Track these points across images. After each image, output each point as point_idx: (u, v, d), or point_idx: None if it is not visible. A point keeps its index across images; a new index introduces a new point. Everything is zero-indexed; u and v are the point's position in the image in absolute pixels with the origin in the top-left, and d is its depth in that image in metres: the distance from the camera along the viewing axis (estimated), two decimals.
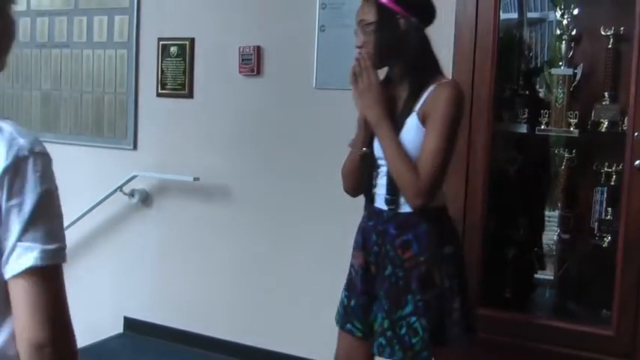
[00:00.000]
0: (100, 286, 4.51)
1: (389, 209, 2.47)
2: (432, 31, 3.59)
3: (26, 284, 1.24)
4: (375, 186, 2.55)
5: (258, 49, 4.20)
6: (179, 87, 4.46)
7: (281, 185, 4.22)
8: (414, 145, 2.37)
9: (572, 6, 3.11)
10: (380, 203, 2.52)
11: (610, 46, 3.05)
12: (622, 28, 3.02)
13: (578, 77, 3.14)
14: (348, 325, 2.58)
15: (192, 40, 4.36)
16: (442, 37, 3.26)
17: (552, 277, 3.08)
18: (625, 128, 2.84)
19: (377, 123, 2.47)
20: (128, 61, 4.73)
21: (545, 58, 3.43)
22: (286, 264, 4.26)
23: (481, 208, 2.94)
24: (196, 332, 4.43)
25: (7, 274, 1.24)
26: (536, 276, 3.21)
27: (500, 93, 3.16)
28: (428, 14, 2.55)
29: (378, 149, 2.50)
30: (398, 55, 2.49)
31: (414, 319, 2.38)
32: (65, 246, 1.29)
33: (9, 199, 1.23)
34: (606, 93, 3.05)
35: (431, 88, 2.40)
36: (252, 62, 4.21)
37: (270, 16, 4.19)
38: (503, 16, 3.04)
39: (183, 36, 4.40)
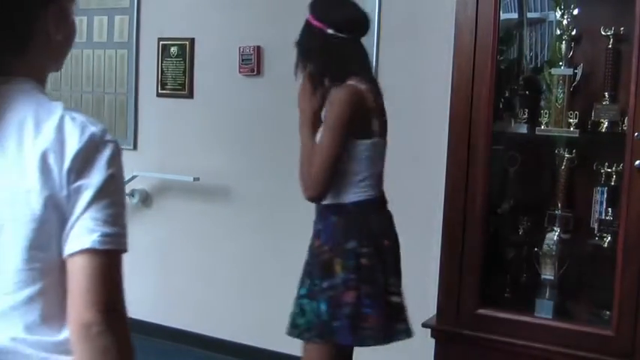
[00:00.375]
0: None
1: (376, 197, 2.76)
2: (433, 32, 3.62)
3: (81, 264, 1.27)
4: None
5: (258, 49, 4.21)
6: (179, 87, 4.47)
7: (281, 185, 4.22)
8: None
9: (572, 6, 3.10)
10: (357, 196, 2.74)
11: (610, 46, 3.05)
12: (622, 28, 3.01)
13: (578, 77, 3.14)
14: None
15: (192, 41, 4.37)
16: (442, 38, 3.28)
17: (552, 278, 3.07)
18: (625, 128, 2.84)
19: (299, 126, 2.83)
20: (128, 62, 4.73)
21: (546, 58, 3.42)
22: (286, 264, 4.26)
23: (481, 209, 2.93)
24: (197, 332, 4.44)
25: (66, 252, 1.28)
26: (536, 276, 3.20)
27: (500, 93, 3.15)
28: (347, 26, 2.74)
29: None
30: (320, 62, 2.80)
31: (305, 301, 2.68)
32: (125, 233, 1.32)
33: (77, 179, 1.27)
34: (606, 93, 3.05)
35: (332, 92, 2.69)
36: (252, 62, 4.22)
37: (270, 16, 4.19)
38: (503, 16, 3.04)
39: (183, 36, 4.41)
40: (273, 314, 4.24)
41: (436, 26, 3.61)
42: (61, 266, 1.29)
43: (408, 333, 2.79)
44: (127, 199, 4.63)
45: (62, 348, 1.28)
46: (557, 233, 3.15)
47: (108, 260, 1.28)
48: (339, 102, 2.64)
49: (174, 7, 4.47)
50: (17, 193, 1.27)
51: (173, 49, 4.51)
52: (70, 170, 1.27)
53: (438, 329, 3.05)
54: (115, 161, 1.31)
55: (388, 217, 2.84)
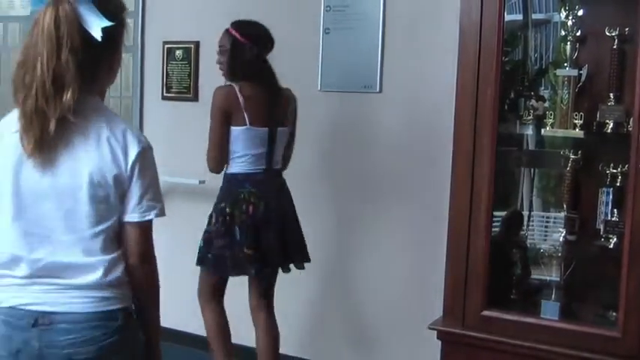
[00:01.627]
0: None
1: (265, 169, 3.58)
2: (438, 33, 3.61)
3: (133, 228, 2.03)
4: None
5: None
6: (184, 90, 4.48)
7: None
8: None
9: (577, 7, 3.10)
10: (249, 168, 3.57)
11: (615, 46, 3.04)
12: (627, 29, 3.01)
13: (583, 78, 3.13)
14: None
15: (197, 44, 4.38)
16: (447, 39, 3.28)
17: (558, 279, 3.06)
18: (630, 129, 2.83)
19: None
20: (133, 65, 4.75)
21: (551, 59, 3.42)
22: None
23: (486, 210, 2.93)
24: (202, 335, 4.43)
25: (129, 219, 2.02)
26: (542, 277, 3.20)
27: (505, 94, 3.14)
28: (266, 44, 3.59)
29: None
30: (242, 72, 3.51)
31: (200, 242, 3.63)
32: (163, 206, 2.09)
33: (135, 169, 1.99)
34: (611, 94, 3.04)
35: None
36: None
37: (275, 19, 4.18)
38: (507, 17, 3.03)
39: (188, 39, 4.42)
40: (279, 316, 4.26)
41: (441, 28, 3.61)
42: (116, 221, 2.01)
43: (257, 273, 3.59)
44: None
45: (110, 264, 2.00)
46: (562, 234, 3.14)
47: (147, 227, 2.06)
48: (214, 98, 3.50)
49: (179, 11, 4.48)
50: (95, 169, 1.95)
51: (178, 53, 4.52)
52: (133, 164, 1.98)
53: (444, 331, 3.04)
54: (153, 160, 2.06)
55: (275, 189, 3.64)
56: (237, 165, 3.55)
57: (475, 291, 2.96)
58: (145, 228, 2.04)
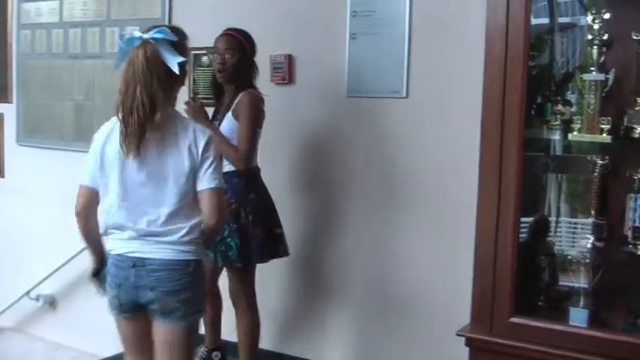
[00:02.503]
0: None
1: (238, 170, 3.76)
2: (464, 38, 3.60)
3: (211, 194, 2.88)
4: None
5: (290, 58, 4.23)
6: (211, 96, 4.47)
7: (310, 193, 4.23)
8: (228, 129, 3.74)
9: (604, 10, 3.07)
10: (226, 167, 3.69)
11: None
12: None
13: (610, 82, 3.10)
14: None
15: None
16: (473, 44, 3.26)
17: (586, 286, 3.03)
18: None
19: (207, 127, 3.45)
20: None
21: (577, 64, 3.39)
22: (311, 266, 4.28)
23: (514, 216, 2.90)
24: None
25: (201, 187, 2.86)
26: (569, 284, 3.17)
27: (531, 99, 3.12)
28: (254, 53, 3.90)
29: None
30: (241, 75, 3.81)
31: (229, 239, 3.69)
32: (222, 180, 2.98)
33: (204, 153, 2.85)
34: (638, 98, 3.01)
35: (240, 95, 3.76)
36: (284, 70, 4.24)
37: (301, 25, 4.21)
38: (534, 21, 3.00)
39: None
40: (289, 319, 4.26)
41: (467, 33, 3.59)
42: (193, 193, 2.87)
43: (285, 252, 3.97)
44: None
45: (190, 228, 2.85)
46: (590, 241, 3.11)
47: (218, 192, 2.91)
48: (254, 101, 3.77)
49: (206, 17, 4.49)
50: (176, 159, 2.82)
51: (205, 59, 4.54)
52: (202, 150, 2.84)
53: (472, 338, 3.02)
54: (214, 146, 2.92)
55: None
56: (255, 160, 3.85)
57: (503, 298, 2.94)
58: (212, 193, 2.86)
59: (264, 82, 4.24)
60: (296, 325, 4.42)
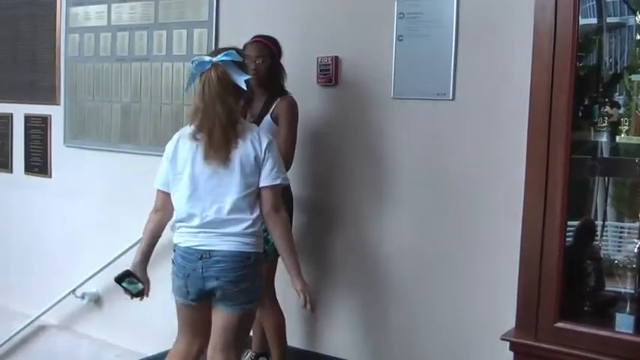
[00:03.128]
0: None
1: None
2: (511, 40, 3.57)
3: (271, 190, 3.21)
4: None
5: (336, 59, 4.24)
6: None
7: (355, 196, 4.23)
8: (267, 131, 3.62)
9: None
10: None
11: None
12: None
13: None
14: None
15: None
16: (520, 46, 3.23)
17: (632, 291, 2.99)
18: None
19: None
20: None
21: (625, 64, 3.34)
22: (355, 270, 4.27)
23: (560, 219, 2.87)
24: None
25: (263, 184, 3.19)
26: (616, 289, 3.12)
27: (579, 101, 3.08)
28: (281, 53, 4.03)
29: None
30: (273, 79, 3.95)
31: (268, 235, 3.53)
32: (286, 176, 3.38)
33: (267, 154, 3.18)
34: None
35: (278, 100, 3.92)
36: (330, 72, 4.25)
37: (348, 27, 4.21)
38: (582, 21, 2.96)
39: None
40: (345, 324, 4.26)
41: (514, 34, 3.56)
42: (257, 188, 3.19)
43: None
44: None
45: (252, 221, 3.19)
46: (637, 245, 3.07)
47: (278, 189, 3.24)
48: (294, 106, 3.96)
49: (252, 20, 4.52)
50: (243, 156, 3.15)
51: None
52: (265, 150, 3.19)
53: (517, 342, 2.99)
54: (277, 147, 3.31)
55: None
56: None
57: (548, 302, 2.91)
58: (274, 190, 3.21)
59: (310, 83, 4.27)
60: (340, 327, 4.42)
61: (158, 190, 3.35)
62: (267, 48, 3.93)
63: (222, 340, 3.24)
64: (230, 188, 3.15)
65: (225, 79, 3.13)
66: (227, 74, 3.13)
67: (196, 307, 3.27)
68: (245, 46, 3.90)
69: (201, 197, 3.18)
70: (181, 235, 3.24)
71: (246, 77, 3.15)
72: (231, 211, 3.15)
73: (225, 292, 3.17)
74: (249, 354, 4.25)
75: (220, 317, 3.23)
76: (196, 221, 3.18)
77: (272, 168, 3.18)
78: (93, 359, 5.51)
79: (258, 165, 3.17)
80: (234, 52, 3.20)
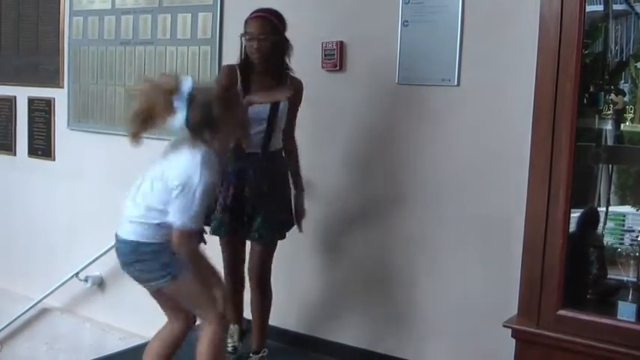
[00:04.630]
0: None
1: (263, 152, 3.78)
2: (517, 26, 3.55)
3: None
4: (245, 140, 3.68)
5: (341, 45, 4.22)
6: None
7: (360, 180, 4.23)
8: (283, 113, 3.76)
9: None
10: (254, 149, 3.75)
11: None
12: None
13: None
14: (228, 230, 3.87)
15: None
16: (526, 32, 3.22)
17: (635, 279, 2.99)
18: None
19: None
20: (211, 58, 4.80)
21: (631, 52, 3.32)
22: (362, 258, 4.27)
23: (564, 207, 2.87)
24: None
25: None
26: (619, 277, 3.12)
27: (584, 88, 3.07)
28: (286, 26, 3.81)
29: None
30: (278, 57, 3.76)
31: (282, 215, 3.86)
32: None
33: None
34: None
35: (289, 79, 3.78)
36: (335, 57, 4.23)
37: (353, 12, 4.20)
38: (588, 8, 2.93)
39: None
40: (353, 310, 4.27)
41: (520, 21, 3.55)
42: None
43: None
44: None
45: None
46: None
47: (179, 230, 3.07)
48: (302, 88, 3.87)
49: (257, 4, 4.48)
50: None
51: None
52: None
53: (519, 330, 3.00)
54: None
55: None
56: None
57: (551, 290, 2.91)
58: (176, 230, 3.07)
59: (315, 68, 4.25)
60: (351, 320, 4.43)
61: None
62: (271, 23, 3.75)
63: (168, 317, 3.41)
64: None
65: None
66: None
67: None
68: (246, 21, 3.80)
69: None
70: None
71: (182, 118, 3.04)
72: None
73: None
74: (236, 327, 4.24)
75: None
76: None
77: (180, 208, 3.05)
78: (96, 342, 5.52)
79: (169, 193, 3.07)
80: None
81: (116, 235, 3.30)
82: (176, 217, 3.02)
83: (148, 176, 3.17)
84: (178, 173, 3.03)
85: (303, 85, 3.85)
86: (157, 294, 3.33)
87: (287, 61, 3.81)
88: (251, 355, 4.06)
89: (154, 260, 3.16)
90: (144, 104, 3.08)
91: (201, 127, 3.04)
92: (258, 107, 3.62)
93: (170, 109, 3.02)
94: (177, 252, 3.08)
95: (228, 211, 3.82)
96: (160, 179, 3.08)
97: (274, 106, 3.73)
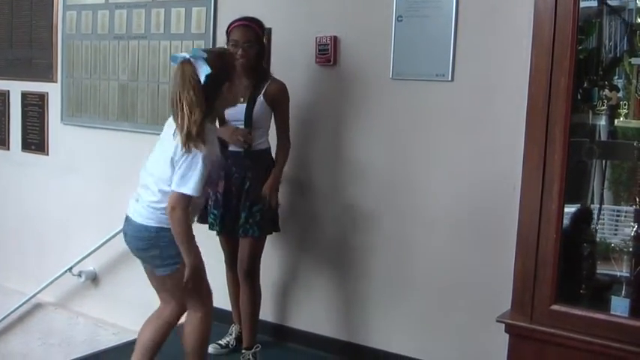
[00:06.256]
0: None
1: (245, 150, 3.94)
2: (511, 22, 3.56)
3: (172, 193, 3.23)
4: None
5: (335, 39, 4.22)
6: None
7: (353, 176, 4.22)
8: (260, 112, 3.93)
9: None
10: (236, 148, 3.95)
11: None
12: None
13: None
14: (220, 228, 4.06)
15: (269, 31, 4.37)
16: (520, 27, 3.22)
17: (628, 275, 2.99)
18: None
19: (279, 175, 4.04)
20: None
21: (625, 48, 3.33)
22: (361, 251, 4.27)
23: (558, 202, 2.87)
24: (270, 321, 4.48)
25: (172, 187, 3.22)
26: (612, 273, 3.13)
27: (578, 84, 3.07)
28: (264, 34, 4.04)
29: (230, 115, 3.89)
30: (260, 62, 4.00)
31: (265, 211, 3.94)
32: None
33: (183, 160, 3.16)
34: None
35: (269, 82, 3.97)
36: (329, 52, 4.23)
37: (347, 6, 4.20)
38: (582, 4, 2.93)
39: None
40: (353, 308, 4.27)
41: (514, 16, 3.55)
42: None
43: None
44: None
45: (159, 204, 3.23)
46: (634, 229, 3.07)
47: (178, 195, 3.16)
48: (286, 90, 4.00)
49: None
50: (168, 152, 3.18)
51: None
52: (181, 154, 3.14)
53: (512, 325, 3.00)
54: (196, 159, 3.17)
55: None
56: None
57: (544, 285, 2.92)
58: (174, 194, 3.17)
59: (309, 63, 4.25)
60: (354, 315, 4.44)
61: None
62: (254, 32, 3.93)
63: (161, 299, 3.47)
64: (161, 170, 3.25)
65: (187, 73, 3.14)
66: (191, 69, 3.14)
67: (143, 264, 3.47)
68: (230, 29, 3.93)
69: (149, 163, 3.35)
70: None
71: (208, 72, 3.11)
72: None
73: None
74: (235, 327, 4.37)
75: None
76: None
77: (181, 176, 3.14)
78: (89, 337, 5.52)
79: (173, 167, 3.17)
80: (201, 50, 3.26)
81: (129, 220, 3.34)
82: (177, 184, 3.14)
83: (156, 158, 3.29)
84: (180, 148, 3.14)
85: (285, 88, 4.00)
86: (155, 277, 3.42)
87: (268, 65, 4.12)
88: (243, 351, 4.09)
89: (170, 246, 3.23)
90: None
91: (222, 74, 3.21)
92: (235, 109, 3.71)
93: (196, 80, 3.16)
94: (170, 216, 3.16)
95: (220, 207, 3.99)
96: (168, 159, 3.17)
97: (249, 107, 3.92)
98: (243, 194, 3.94)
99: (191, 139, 3.10)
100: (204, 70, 3.12)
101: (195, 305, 3.40)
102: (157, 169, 3.25)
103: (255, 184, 3.94)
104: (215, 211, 4.03)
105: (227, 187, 3.98)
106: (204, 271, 3.37)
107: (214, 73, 3.13)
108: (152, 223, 3.25)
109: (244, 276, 4.04)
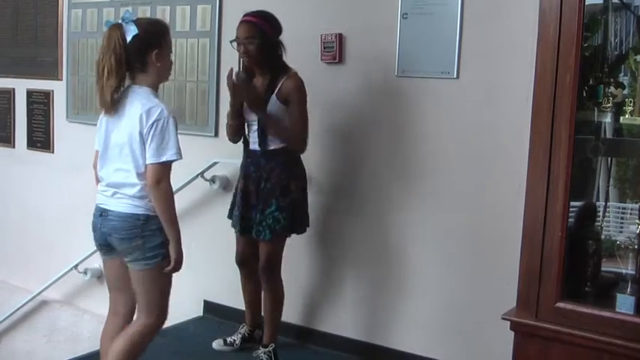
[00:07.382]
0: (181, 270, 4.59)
1: (261, 149, 3.91)
2: (516, 19, 3.55)
3: (151, 167, 3.17)
4: (249, 136, 4.01)
5: (340, 37, 4.22)
6: None
7: (360, 173, 4.22)
8: (274, 112, 3.83)
9: None
10: (254, 146, 3.96)
11: None
12: None
13: None
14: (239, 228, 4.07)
15: None
16: (526, 24, 3.22)
17: (634, 272, 2.99)
18: None
19: (262, 116, 3.86)
20: (210, 50, 4.79)
21: (631, 45, 3.32)
22: (366, 251, 4.27)
23: (563, 199, 2.87)
24: (293, 323, 4.49)
25: (147, 161, 3.16)
26: (617, 270, 3.12)
27: (583, 81, 3.07)
28: (280, 32, 3.90)
29: (248, 113, 3.96)
30: (268, 58, 3.87)
31: (277, 213, 3.88)
32: (169, 153, 3.18)
33: (153, 129, 3.12)
34: None
35: (283, 78, 3.85)
36: (334, 50, 4.23)
37: (352, 4, 4.20)
38: (588, 1, 2.93)
39: None
40: (357, 306, 4.26)
41: (520, 13, 3.55)
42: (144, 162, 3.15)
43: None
44: (209, 185, 4.70)
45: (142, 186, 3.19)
46: (639, 226, 3.07)
47: (158, 165, 3.13)
48: (302, 83, 3.88)
49: None
50: (131, 131, 3.13)
51: None
52: (150, 126, 3.10)
53: (517, 322, 3.00)
54: (167, 122, 3.14)
55: None
56: None
57: (549, 282, 2.91)
58: (154, 166, 3.12)
59: (314, 61, 4.25)
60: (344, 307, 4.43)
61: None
62: (256, 27, 3.83)
63: (136, 294, 3.34)
64: (127, 158, 3.19)
65: (113, 37, 3.15)
66: (118, 33, 3.16)
67: (109, 261, 3.44)
68: (238, 26, 3.90)
69: (108, 159, 3.28)
70: (98, 195, 3.37)
71: (135, 32, 3.14)
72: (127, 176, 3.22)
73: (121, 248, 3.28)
74: (244, 328, 4.35)
75: (130, 273, 3.31)
76: (103, 184, 3.32)
77: (156, 146, 3.12)
78: (95, 334, 5.51)
79: (143, 142, 3.13)
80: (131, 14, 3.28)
81: (109, 213, 3.27)
82: (156, 155, 3.13)
83: (119, 151, 3.23)
84: (145, 119, 3.12)
85: (301, 83, 3.88)
86: (115, 267, 3.40)
87: (282, 59, 3.92)
88: (260, 348, 4.09)
89: (154, 236, 3.22)
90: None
91: (150, 38, 3.21)
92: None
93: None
94: (154, 191, 3.14)
95: (240, 207, 4.01)
96: (137, 136, 3.14)
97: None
98: (260, 194, 3.92)
99: (104, 103, 3.16)
100: (131, 31, 3.14)
101: (149, 310, 3.32)
102: (127, 159, 3.19)
103: (270, 184, 3.89)
104: (236, 212, 4.04)
105: (245, 186, 3.98)
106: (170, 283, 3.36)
107: (141, 35, 3.15)
108: (141, 211, 3.19)
109: (264, 278, 4.04)
